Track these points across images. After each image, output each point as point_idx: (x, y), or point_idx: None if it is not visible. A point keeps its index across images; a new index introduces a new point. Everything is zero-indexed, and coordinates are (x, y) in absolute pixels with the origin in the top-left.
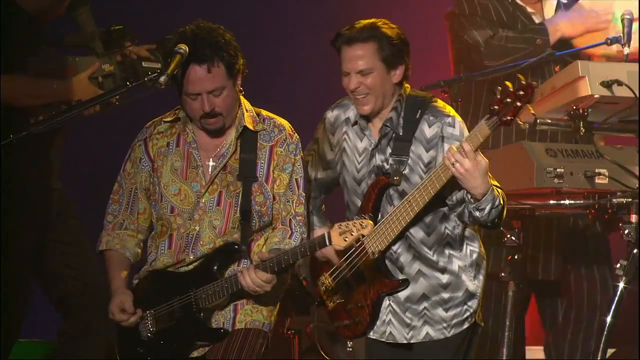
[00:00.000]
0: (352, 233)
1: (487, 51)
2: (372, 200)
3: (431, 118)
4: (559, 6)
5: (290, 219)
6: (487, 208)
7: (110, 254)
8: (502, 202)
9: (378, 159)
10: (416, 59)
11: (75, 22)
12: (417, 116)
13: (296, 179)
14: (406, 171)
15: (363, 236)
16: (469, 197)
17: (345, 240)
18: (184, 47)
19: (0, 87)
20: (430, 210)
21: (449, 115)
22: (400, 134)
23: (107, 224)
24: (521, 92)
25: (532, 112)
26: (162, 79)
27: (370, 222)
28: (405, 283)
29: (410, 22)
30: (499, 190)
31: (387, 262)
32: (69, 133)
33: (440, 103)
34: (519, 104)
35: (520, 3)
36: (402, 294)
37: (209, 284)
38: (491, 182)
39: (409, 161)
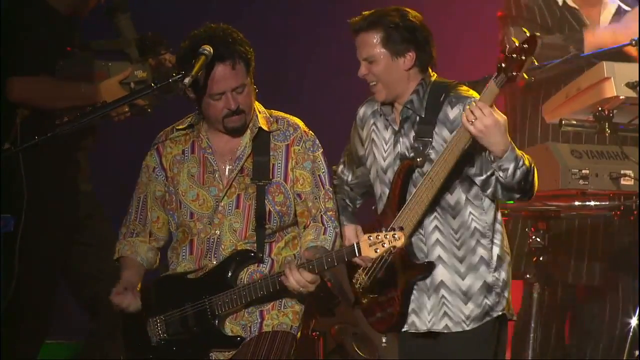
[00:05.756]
0: (384, 245)
1: None
2: (399, 187)
3: (454, 100)
4: (617, 14)
5: (321, 215)
6: (511, 168)
7: (122, 261)
8: (527, 164)
9: (402, 144)
10: (451, 58)
11: (116, 28)
12: (441, 99)
13: (319, 175)
14: (431, 153)
15: (394, 248)
16: (492, 157)
17: (376, 252)
18: (208, 49)
19: (26, 88)
20: (454, 192)
21: (471, 97)
22: (423, 116)
23: (120, 234)
24: (525, 45)
25: (536, 63)
26: (187, 80)
27: (403, 234)
28: (430, 266)
29: (447, 20)
30: (525, 155)
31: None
32: (100, 136)
33: (464, 87)
34: (524, 57)
35: (573, 5)
36: (425, 281)
37: (224, 292)
38: (514, 145)
39: (433, 143)
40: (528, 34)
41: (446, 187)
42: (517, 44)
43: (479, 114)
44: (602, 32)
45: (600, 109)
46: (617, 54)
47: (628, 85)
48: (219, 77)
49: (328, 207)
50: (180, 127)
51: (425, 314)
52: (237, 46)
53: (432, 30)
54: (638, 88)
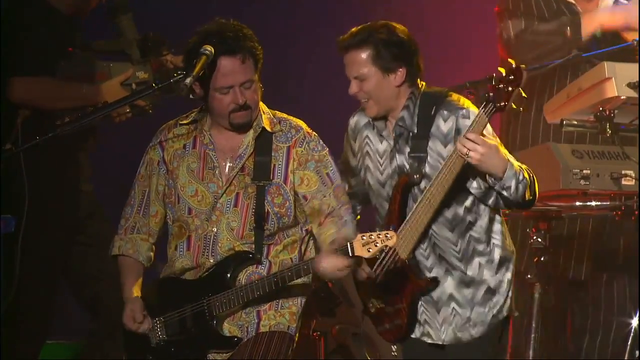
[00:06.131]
0: (377, 244)
1: (517, 44)
2: (398, 202)
3: (445, 112)
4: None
5: (337, 209)
6: (513, 185)
7: (123, 260)
8: (527, 176)
9: (398, 159)
10: (443, 59)
11: (117, 29)
12: (432, 112)
13: (327, 174)
14: (427, 168)
15: (387, 247)
16: (492, 180)
17: (369, 252)
18: (209, 49)
19: (26, 88)
20: (451, 206)
21: (463, 108)
22: (416, 132)
23: (120, 227)
24: (511, 77)
25: (524, 95)
26: (188, 80)
27: (395, 233)
28: (434, 282)
29: (448, 20)
30: (522, 166)
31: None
32: (101, 136)
33: (455, 97)
34: (510, 88)
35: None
36: (434, 295)
37: (223, 292)
38: (511, 160)
39: (429, 158)
40: (514, 65)
41: (444, 203)
42: (503, 74)
43: (472, 146)
44: (599, 13)
45: (601, 109)
46: (617, 54)
47: (629, 85)
48: (228, 71)
49: (343, 200)
50: (184, 121)
51: (439, 328)
52: (247, 42)
53: (432, 30)
54: (639, 88)
